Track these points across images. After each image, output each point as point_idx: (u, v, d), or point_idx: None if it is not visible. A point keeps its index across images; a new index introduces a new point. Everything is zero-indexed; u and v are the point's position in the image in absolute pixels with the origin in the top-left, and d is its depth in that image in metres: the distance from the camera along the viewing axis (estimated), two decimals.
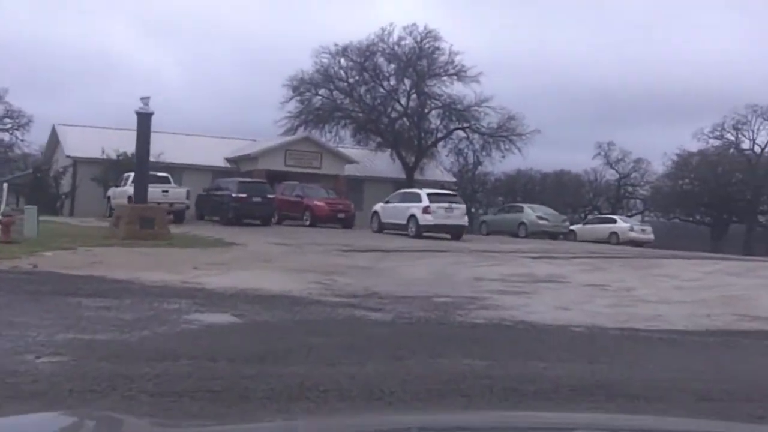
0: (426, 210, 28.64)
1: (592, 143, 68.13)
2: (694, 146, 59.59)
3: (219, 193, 33.18)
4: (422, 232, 28.81)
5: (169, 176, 33.03)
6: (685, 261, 22.36)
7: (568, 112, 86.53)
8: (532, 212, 36.92)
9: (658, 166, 64.76)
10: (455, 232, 29.46)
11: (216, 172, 38.91)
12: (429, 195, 29.29)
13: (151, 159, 37.89)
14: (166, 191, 31.30)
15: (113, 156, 36.70)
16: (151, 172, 33.10)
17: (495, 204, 70.66)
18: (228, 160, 40.98)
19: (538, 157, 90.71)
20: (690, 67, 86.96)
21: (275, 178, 37.58)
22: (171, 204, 31.34)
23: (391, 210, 30.50)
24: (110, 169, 35.92)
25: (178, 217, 32.02)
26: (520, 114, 43.92)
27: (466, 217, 29.68)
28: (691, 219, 64.23)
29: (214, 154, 40.95)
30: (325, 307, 10.36)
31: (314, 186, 35.80)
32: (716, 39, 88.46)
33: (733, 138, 58.22)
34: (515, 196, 69.22)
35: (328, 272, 15.15)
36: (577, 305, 12.07)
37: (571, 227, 39.47)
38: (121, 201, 31.18)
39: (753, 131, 57.04)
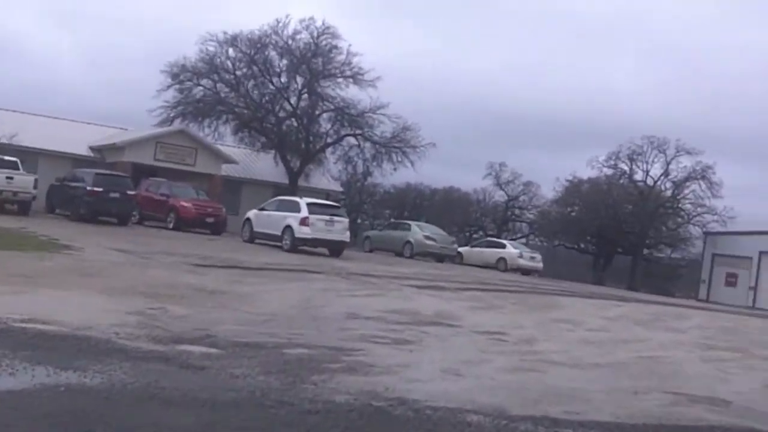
0: (304, 221, 25.69)
1: (485, 163, 66.86)
2: (587, 173, 58.68)
3: (73, 184, 29.32)
4: (298, 245, 25.87)
5: (18, 161, 28.94)
6: (584, 301, 20.14)
7: (463, 129, 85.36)
8: (419, 231, 34.46)
9: (548, 191, 63.90)
10: (335, 248, 26.66)
11: (77, 161, 34.98)
12: (309, 205, 26.34)
13: (2, 140, 33.87)
14: (11, 178, 27.30)
15: None
16: None
17: (382, 216, 68.57)
18: (92, 148, 36.96)
19: (429, 171, 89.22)
20: (590, 96, 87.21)
21: (144, 173, 33.91)
22: (15, 193, 27.43)
23: (266, 218, 27.41)
24: None
25: (23, 208, 28.14)
26: (416, 125, 41.48)
27: (348, 233, 26.86)
28: (575, 247, 63.46)
29: (78, 141, 36.91)
30: (123, 363, 7.26)
31: (183, 185, 32.34)
32: (618, 70, 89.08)
33: (627, 168, 57.40)
34: (403, 210, 67.44)
35: (163, 297, 12.03)
36: (472, 367, 9.33)
37: (458, 249, 37.20)
38: None
39: (647, 162, 56.28)
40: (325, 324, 11.38)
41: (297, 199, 27.33)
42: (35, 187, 27.97)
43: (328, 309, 13.03)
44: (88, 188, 28.25)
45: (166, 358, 7.80)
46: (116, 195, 28.53)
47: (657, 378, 9.99)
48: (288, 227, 26.02)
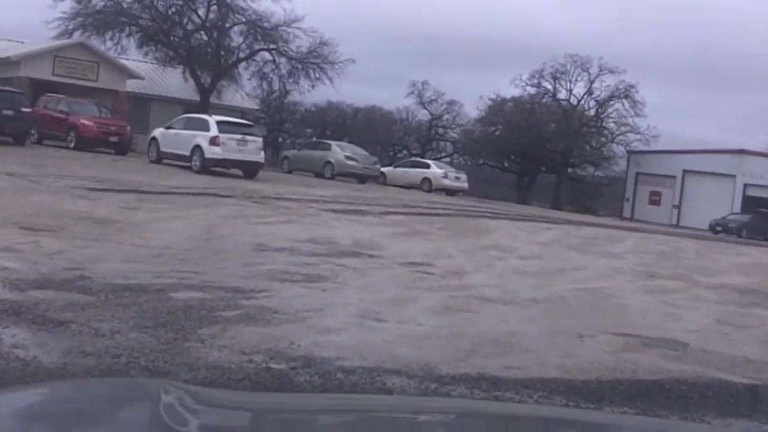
0: (214, 141, 23.89)
1: (407, 81, 65.48)
2: (510, 92, 57.84)
3: None
4: (209, 166, 24.14)
5: None
6: (513, 224, 19.10)
7: (383, 46, 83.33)
8: (340, 151, 32.92)
9: (472, 109, 62.99)
10: (248, 169, 25.01)
11: None
12: (219, 123, 24.51)
13: None
14: None
15: None
16: None
17: (303, 135, 66.87)
18: None
19: (350, 90, 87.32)
20: (512, 14, 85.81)
21: (43, 89, 31.37)
22: None
23: (173, 137, 25.50)
24: None
25: None
26: (334, 40, 39.48)
27: (262, 153, 25.20)
28: (500, 166, 63.01)
29: None
30: None
31: (84, 101, 29.99)
32: None
33: (550, 87, 56.67)
34: (325, 130, 65.81)
35: (40, 228, 10.37)
36: (394, 309, 8.04)
37: (381, 170, 35.87)
38: None
39: (571, 81, 55.67)
40: (227, 259, 9.90)
41: (206, 116, 25.43)
42: None
43: (233, 240, 11.53)
44: None
45: (17, 310, 6.27)
46: (9, 112, 26.12)
47: (601, 315, 8.89)
48: (197, 147, 24.21)
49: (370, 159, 34.00)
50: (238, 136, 24.29)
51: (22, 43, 35.31)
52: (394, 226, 15.53)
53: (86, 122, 27.79)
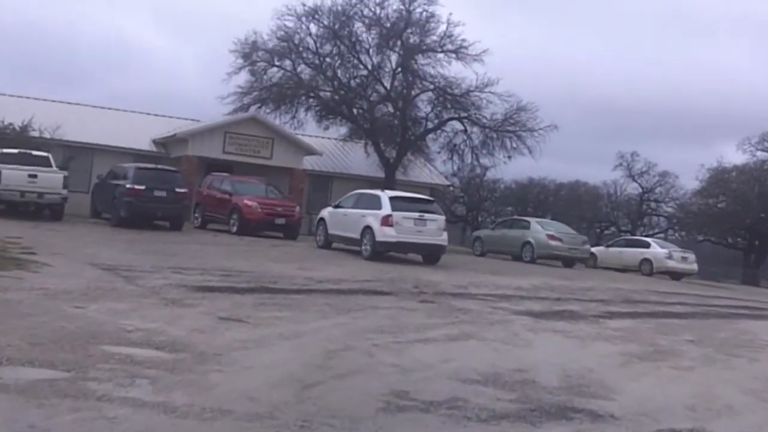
0: (386, 221, 19.67)
1: (613, 154, 60.12)
2: (735, 159, 50.97)
3: (114, 182, 24.24)
4: (381, 251, 19.92)
5: (50, 157, 24.10)
6: None
7: (580, 120, 77.75)
8: (541, 229, 27.86)
9: (687, 181, 56.35)
10: (429, 254, 20.63)
11: (139, 157, 29.95)
12: (392, 200, 20.28)
13: (41, 134, 29.36)
14: (34, 176, 22.41)
15: None
16: (22, 150, 24.44)
17: (504, 214, 62.77)
18: (156, 142, 32.03)
19: (550, 166, 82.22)
20: (711, 85, 78.33)
21: (214, 169, 28.71)
22: (40, 194, 22.54)
23: (341, 218, 21.56)
24: None
25: (54, 212, 23.30)
26: (532, 105, 34.73)
27: (444, 234, 20.63)
28: (723, 242, 55.48)
29: (140, 134, 32.04)
30: None
31: (251, 180, 26.89)
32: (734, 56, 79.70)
33: None
34: (526, 207, 61.37)
35: (51, 363, 6.28)
36: None
37: (591, 250, 30.40)
38: None
39: None
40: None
41: (377, 192, 21.25)
42: (65, 187, 23.00)
43: (358, 383, 6.92)
44: (128, 186, 23.11)
45: None
46: (162, 194, 23.29)
47: None
48: (367, 228, 20.09)
49: (578, 238, 28.63)
50: (416, 215, 19.93)
51: (196, 121, 33.12)
52: (621, 342, 10.37)
53: (249, 203, 24.49)
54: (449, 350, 8.68)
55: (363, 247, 20.21)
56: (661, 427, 6.24)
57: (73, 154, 29.23)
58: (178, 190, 23.59)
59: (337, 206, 22.28)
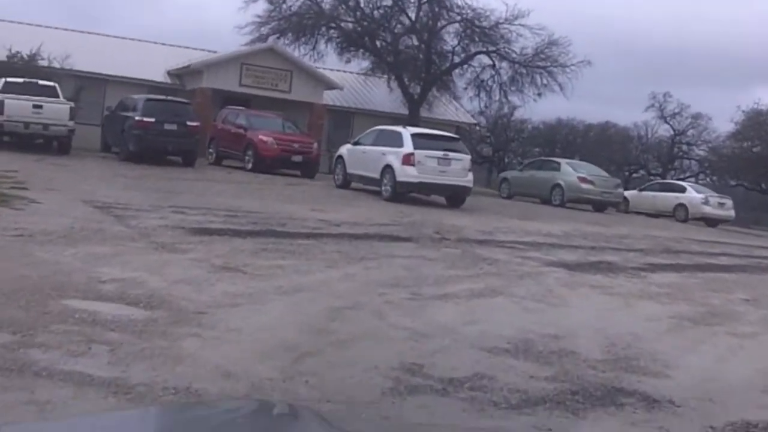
0: (407, 159, 18.41)
1: (644, 95, 58.27)
2: None
3: (124, 115, 23.09)
4: (402, 192, 18.70)
5: (57, 87, 22.94)
6: None
7: (615, 58, 75.26)
8: (572, 171, 26.42)
9: (721, 123, 54.29)
10: (453, 196, 19.39)
11: (153, 88, 28.70)
12: (414, 137, 18.97)
13: (50, 64, 28.13)
14: (39, 107, 21.28)
15: (2, 56, 26.60)
16: (27, 79, 23.30)
17: (531, 155, 61.54)
18: (170, 74, 30.75)
19: (580, 107, 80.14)
20: (762, 24, 75.29)
21: (230, 103, 27.46)
22: (45, 126, 21.44)
23: (360, 156, 20.33)
24: None
25: (61, 145, 22.24)
26: (565, 39, 32.96)
27: (470, 174, 19.36)
28: (758, 188, 53.74)
29: (155, 65, 30.73)
30: None
31: (267, 114, 25.66)
32: None
33: None
34: (554, 148, 60.04)
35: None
36: None
37: (624, 194, 29.00)
38: None
39: None
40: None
41: (399, 128, 19.91)
42: (72, 118, 21.89)
43: (364, 350, 5.78)
44: (137, 118, 21.95)
45: None
46: (173, 127, 22.14)
47: None
48: (387, 167, 18.85)
49: (611, 181, 27.20)
50: (440, 153, 18.63)
51: (214, 52, 31.71)
52: (668, 300, 9.14)
53: (264, 138, 23.27)
54: (473, 309, 7.51)
55: (383, 188, 19.00)
56: (733, 418, 5.06)
57: (83, 85, 28.07)
58: (189, 123, 22.40)
59: (356, 143, 21.02)
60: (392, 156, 18.79)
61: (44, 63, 26.84)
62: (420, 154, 18.43)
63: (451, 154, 18.85)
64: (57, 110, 21.56)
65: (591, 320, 7.64)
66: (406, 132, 19.19)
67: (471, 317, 7.16)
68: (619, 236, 16.58)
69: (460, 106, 35.86)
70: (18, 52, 26.61)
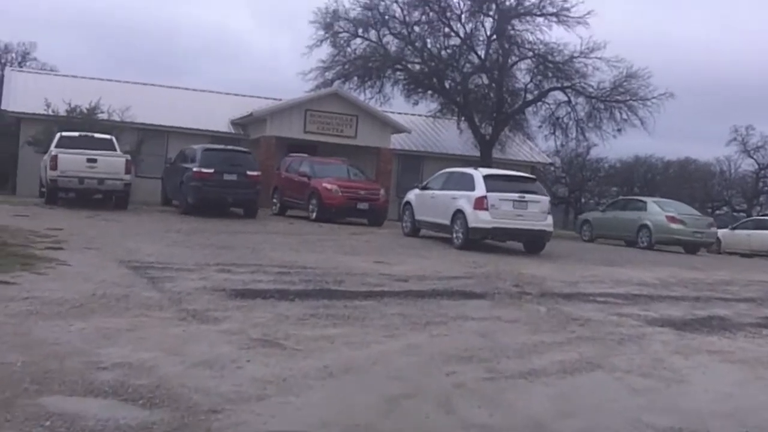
0: (480, 203, 16.90)
1: (724, 130, 56.51)
2: None
3: (183, 166, 22.20)
4: (475, 239, 17.16)
5: (113, 139, 22.23)
6: None
7: (693, 93, 72.57)
8: (659, 210, 24.53)
9: None
10: (532, 242, 17.75)
11: (216, 138, 27.92)
12: (487, 178, 17.45)
13: (110, 116, 27.57)
14: (93, 161, 20.49)
15: (62, 111, 26.15)
16: (83, 133, 22.64)
17: (608, 195, 59.62)
18: (234, 123, 29.96)
19: (658, 144, 77.51)
20: None
21: (294, 150, 26.47)
22: (100, 180, 20.63)
23: (429, 201, 18.91)
24: (56, 130, 25.16)
25: (118, 201, 21.41)
26: (644, 72, 31.12)
27: (549, 218, 17.71)
28: None
29: (217, 115, 30.05)
30: None
31: (331, 161, 24.53)
32: None
33: None
34: (632, 188, 58.10)
35: None
36: None
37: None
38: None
39: None
40: None
41: (470, 170, 18.41)
42: (128, 172, 21.04)
43: None
44: (195, 169, 20.98)
45: None
46: (233, 177, 21.11)
47: None
48: (459, 213, 17.36)
49: (703, 220, 25.15)
50: (515, 196, 17.07)
51: (276, 100, 30.86)
52: None
53: (328, 186, 22.07)
54: (567, 393, 5.92)
55: (454, 235, 17.51)
56: None
57: (144, 137, 27.44)
58: (250, 173, 21.33)
59: (424, 188, 19.62)
60: (463, 200, 17.31)
61: (104, 116, 26.26)
62: (493, 197, 16.90)
63: (528, 196, 17.26)
64: (112, 164, 20.73)
65: (719, 401, 5.99)
66: (478, 174, 17.69)
67: (566, 405, 5.58)
68: (722, 282, 14.71)
69: (534, 146, 34.22)
70: (77, 106, 26.10)
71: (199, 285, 9.41)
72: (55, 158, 20.40)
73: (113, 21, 71.54)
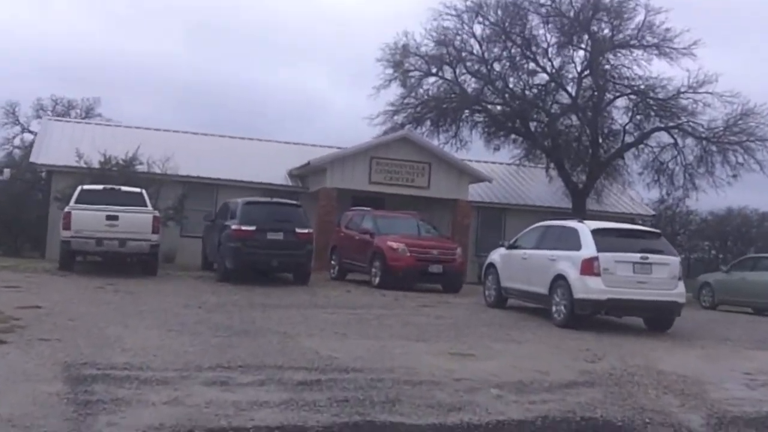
0: (589, 266, 12.84)
1: None
2: None
3: (223, 223, 18.74)
4: (582, 313, 13.02)
5: (143, 192, 18.97)
6: None
7: None
8: None
9: None
10: (658, 317, 13.54)
11: (271, 192, 24.45)
12: (597, 233, 13.36)
13: (149, 168, 24.40)
14: (114, 218, 17.20)
15: (95, 163, 23.14)
16: (108, 186, 19.42)
17: (699, 250, 54.55)
18: (291, 175, 26.53)
19: (746, 194, 71.68)
20: None
21: (359, 203, 22.89)
22: (122, 242, 17.29)
23: (519, 263, 14.93)
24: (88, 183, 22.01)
25: (147, 265, 18.11)
26: (762, 108, 26.63)
27: (681, 285, 13.48)
28: None
29: (273, 166, 26.71)
30: None
31: (398, 215, 20.88)
32: None
33: None
34: (725, 242, 53.12)
35: None
36: None
37: None
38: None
39: None
40: None
41: (573, 224, 14.29)
42: (156, 231, 17.68)
43: None
44: (233, 227, 17.48)
45: None
46: (278, 236, 17.54)
47: None
48: (560, 279, 13.31)
49: None
50: (636, 256, 12.96)
51: (340, 148, 27.39)
52: None
53: (394, 245, 18.31)
54: None
55: (554, 308, 13.44)
56: None
57: (189, 191, 24.23)
58: (299, 230, 17.75)
59: (512, 246, 15.61)
60: (566, 263, 13.28)
61: (143, 167, 23.14)
62: (607, 258, 12.83)
63: (653, 257, 13.13)
64: (136, 221, 17.42)
65: None
66: (584, 227, 13.63)
67: None
68: None
69: (637, 194, 29.88)
70: (112, 157, 23.04)
71: (157, 421, 5.66)
72: (68, 215, 17.23)
73: (187, 80, 69.65)
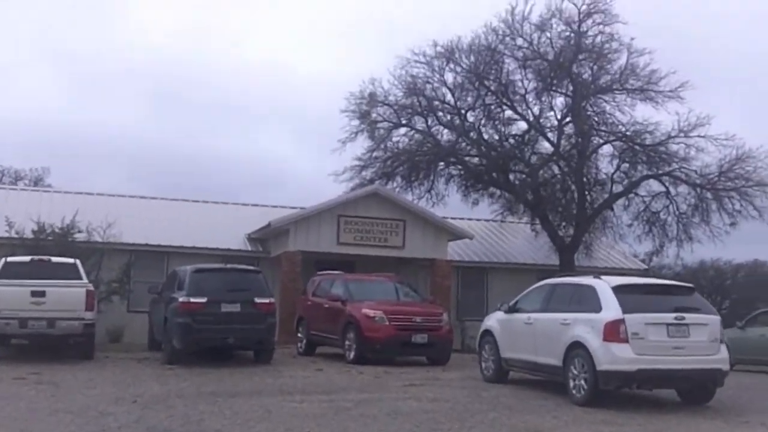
0: (614, 331, 10.47)
1: None
2: None
3: (170, 296, 16.11)
4: (607, 386, 10.58)
5: (78, 263, 16.30)
6: None
7: None
8: None
9: None
10: (697, 387, 11.16)
11: (228, 258, 21.88)
12: (619, 291, 10.99)
13: (89, 237, 21.81)
14: (40, 294, 14.56)
15: (28, 232, 20.53)
16: (36, 257, 16.76)
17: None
18: (250, 239, 24.01)
19: (719, 249, 70.20)
20: None
21: (326, 267, 20.38)
22: (51, 322, 14.62)
23: (522, 329, 12.53)
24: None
25: (81, 348, 15.44)
26: (759, 152, 24.71)
27: (724, 348, 11.14)
28: None
29: (229, 230, 24.21)
30: None
31: (374, 278, 18.44)
32: None
33: None
34: (701, 292, 50.95)
35: None
36: None
37: None
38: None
39: None
40: None
41: (589, 281, 11.90)
42: (91, 308, 15.05)
43: None
44: (181, 300, 14.89)
45: None
46: (234, 308, 14.97)
47: None
48: (577, 347, 10.91)
49: None
50: (669, 317, 10.63)
51: (302, 209, 24.96)
52: None
53: (370, 313, 15.84)
54: None
55: (572, 383, 10.99)
56: None
57: (137, 260, 21.66)
58: (259, 300, 15.21)
59: (512, 309, 13.17)
60: (584, 327, 10.90)
61: (82, 236, 20.54)
62: (635, 320, 10.48)
63: (689, 317, 10.80)
64: (66, 297, 14.84)
65: None
66: (604, 285, 11.25)
67: None
68: None
69: (627, 248, 27.78)
70: (46, 225, 20.44)
71: None
72: None
73: (142, 148, 66.83)
